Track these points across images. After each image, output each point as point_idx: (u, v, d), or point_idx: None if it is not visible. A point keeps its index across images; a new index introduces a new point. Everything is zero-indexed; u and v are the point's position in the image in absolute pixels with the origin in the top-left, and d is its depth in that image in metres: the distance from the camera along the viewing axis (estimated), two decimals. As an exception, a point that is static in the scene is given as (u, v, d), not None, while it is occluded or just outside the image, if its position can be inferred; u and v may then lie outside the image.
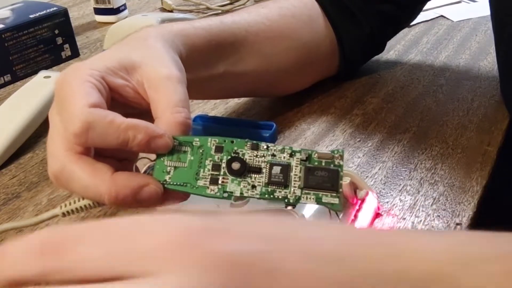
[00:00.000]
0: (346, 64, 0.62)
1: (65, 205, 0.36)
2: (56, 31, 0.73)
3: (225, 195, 0.33)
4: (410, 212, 0.43)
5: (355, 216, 0.40)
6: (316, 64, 0.60)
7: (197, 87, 0.43)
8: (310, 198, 0.33)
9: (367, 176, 0.47)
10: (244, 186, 0.33)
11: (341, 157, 0.33)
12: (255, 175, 0.33)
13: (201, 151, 0.34)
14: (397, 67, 0.67)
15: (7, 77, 0.69)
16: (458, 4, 0.86)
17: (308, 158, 0.33)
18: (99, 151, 0.36)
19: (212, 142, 0.34)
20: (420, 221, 0.42)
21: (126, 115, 0.36)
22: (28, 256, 0.23)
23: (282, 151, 0.33)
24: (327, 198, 0.32)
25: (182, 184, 0.34)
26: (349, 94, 0.61)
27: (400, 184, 0.46)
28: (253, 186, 0.33)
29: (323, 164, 0.33)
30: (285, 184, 0.33)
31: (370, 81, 0.64)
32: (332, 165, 0.33)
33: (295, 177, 0.33)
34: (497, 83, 0.61)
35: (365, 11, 0.60)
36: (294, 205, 0.33)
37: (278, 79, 0.57)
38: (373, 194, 0.42)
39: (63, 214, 0.36)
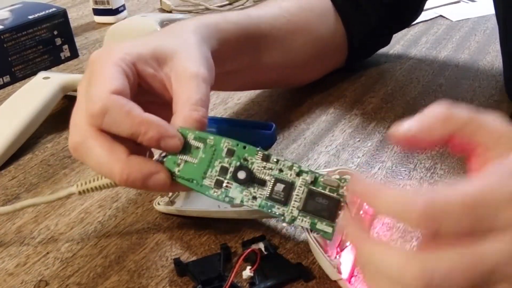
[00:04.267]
0: (354, 56, 0.63)
1: (81, 184, 0.38)
2: (55, 32, 0.73)
3: (227, 199, 0.34)
4: (410, 212, 0.43)
5: (355, 216, 0.40)
6: (330, 56, 0.62)
7: (221, 80, 0.44)
8: (305, 221, 0.33)
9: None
10: (245, 195, 0.34)
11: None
12: (259, 187, 0.34)
13: (213, 149, 0.35)
14: (396, 67, 0.67)
15: (6, 78, 0.69)
16: (457, 4, 0.86)
17: (314, 181, 0.33)
18: None
19: (225, 144, 0.35)
20: (420, 220, 0.42)
21: (150, 103, 0.37)
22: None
23: (290, 168, 0.34)
24: (322, 225, 0.33)
25: (189, 179, 0.35)
26: (349, 94, 0.61)
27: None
28: (254, 197, 0.34)
29: (327, 190, 0.33)
30: (284, 203, 0.34)
31: (369, 81, 0.64)
32: (335, 193, 0.33)
33: (296, 197, 0.33)
34: (496, 83, 0.61)
35: (372, 3, 0.61)
36: (288, 224, 0.34)
37: (296, 71, 0.58)
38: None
39: (79, 193, 0.38)
